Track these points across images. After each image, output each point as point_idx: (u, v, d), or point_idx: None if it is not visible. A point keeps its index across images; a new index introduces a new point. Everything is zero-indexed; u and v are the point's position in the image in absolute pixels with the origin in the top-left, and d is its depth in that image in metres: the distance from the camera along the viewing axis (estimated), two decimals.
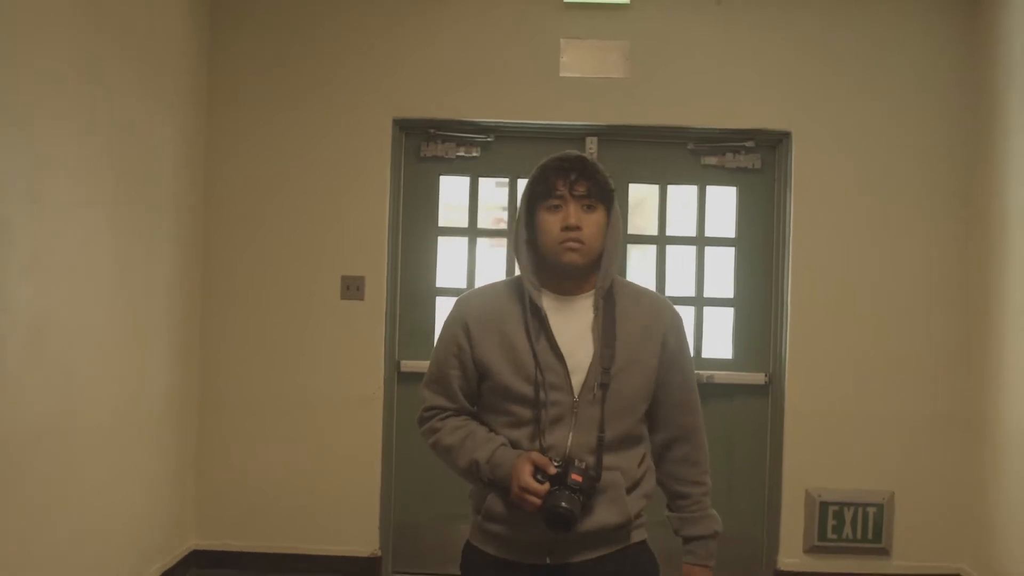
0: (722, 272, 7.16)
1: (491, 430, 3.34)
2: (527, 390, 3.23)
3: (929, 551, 6.91)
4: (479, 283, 7.10)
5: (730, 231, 7.14)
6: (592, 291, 3.36)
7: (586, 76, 6.85)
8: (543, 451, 3.19)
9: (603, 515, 3.24)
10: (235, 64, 6.84)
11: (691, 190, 7.12)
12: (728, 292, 7.14)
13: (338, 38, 6.85)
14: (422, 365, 6.66)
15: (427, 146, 7.04)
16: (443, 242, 7.14)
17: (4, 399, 4.43)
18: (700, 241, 7.12)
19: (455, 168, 7.09)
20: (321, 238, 6.83)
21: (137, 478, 5.93)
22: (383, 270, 6.87)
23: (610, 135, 6.99)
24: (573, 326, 3.30)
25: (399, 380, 7.01)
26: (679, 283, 7.11)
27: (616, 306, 3.34)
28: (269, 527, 6.85)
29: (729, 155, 7.04)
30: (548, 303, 3.33)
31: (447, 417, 3.39)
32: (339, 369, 6.83)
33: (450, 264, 7.15)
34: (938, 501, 6.90)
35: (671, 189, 7.11)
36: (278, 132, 6.83)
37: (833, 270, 6.89)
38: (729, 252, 7.14)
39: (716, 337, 7.16)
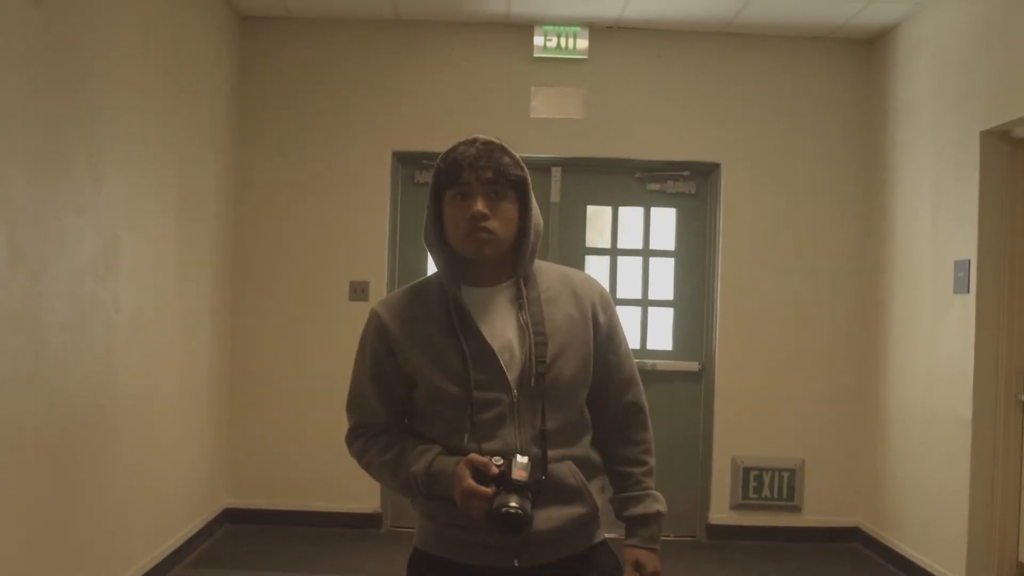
0: (663, 278, 8.49)
1: (427, 440, 3.00)
2: (458, 392, 2.92)
3: (832, 508, 8.23)
4: None
5: (670, 245, 8.48)
6: (512, 279, 3.04)
7: (552, 117, 8.18)
8: (483, 454, 2.87)
9: (563, 509, 2.99)
10: (261, 106, 8.11)
11: (638, 211, 8.48)
12: (668, 295, 8.48)
13: (346, 83, 8.14)
14: None
15: (420, 174, 8.36)
16: None
17: (111, 375, 5.75)
18: (646, 253, 8.47)
19: None
20: (332, 249, 8.13)
21: (189, 444, 7.23)
22: (384, 276, 8.17)
23: (572, 166, 8.33)
24: (499, 318, 3.01)
25: None
26: (629, 287, 8.44)
27: (540, 291, 3.05)
28: (288, 488, 8.13)
29: (670, 182, 8.39)
30: (469, 297, 3.01)
31: (376, 435, 3.07)
32: (347, 356, 8.04)
33: None
34: (840, 466, 8.22)
35: (621, 210, 8.46)
36: (296, 161, 8.12)
37: (754, 276, 8.21)
38: (669, 262, 8.49)
39: (658, 332, 8.47)
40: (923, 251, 7.23)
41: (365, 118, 8.15)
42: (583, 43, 8.14)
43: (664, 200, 8.44)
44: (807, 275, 8.23)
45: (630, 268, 8.52)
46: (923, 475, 7.15)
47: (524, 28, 8.12)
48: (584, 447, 3.07)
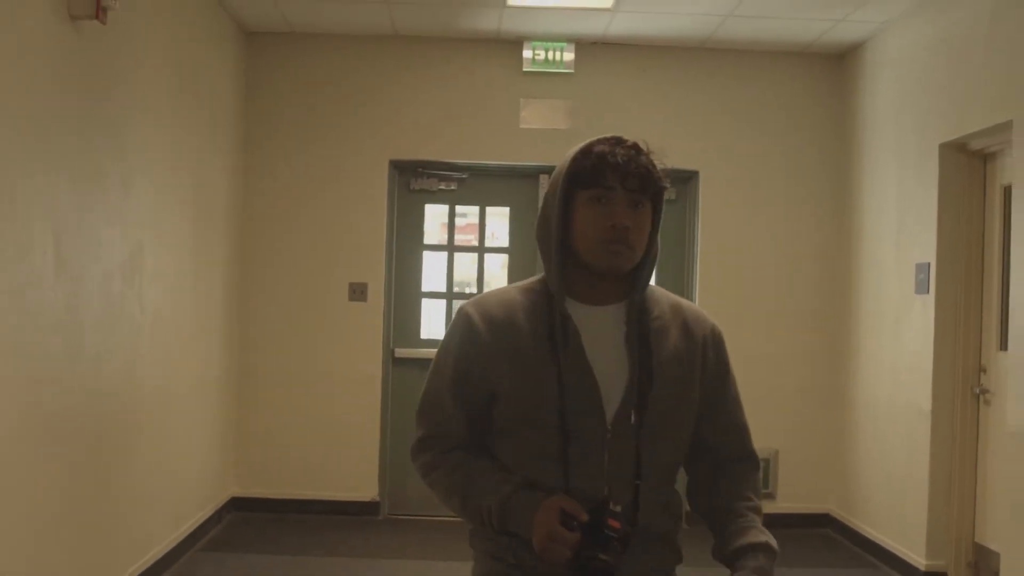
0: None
1: (503, 464, 2.76)
2: (551, 417, 2.65)
3: (805, 496, 8.73)
4: (456, 288, 8.96)
5: None
6: (624, 300, 2.77)
7: (540, 127, 8.66)
8: (568, 491, 2.64)
9: (649, 560, 2.76)
10: (265, 117, 8.57)
11: None
12: None
13: (346, 95, 8.61)
14: (412, 352, 8.64)
15: (415, 181, 8.86)
16: (427, 256, 8.97)
17: (135, 372, 6.21)
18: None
19: (437, 198, 8.91)
20: (333, 252, 8.60)
21: (202, 436, 7.70)
22: (381, 278, 8.65)
23: None
24: (604, 342, 2.73)
25: (393, 364, 8.79)
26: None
27: (650, 318, 2.77)
28: (291, 478, 8.60)
29: None
30: (575, 313, 2.74)
31: (448, 451, 2.80)
32: (347, 354, 8.60)
33: (432, 273, 8.97)
34: (811, 456, 8.71)
35: None
36: (299, 170, 8.59)
37: (731, 277, 8.71)
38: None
39: None
40: (888, 254, 7.73)
41: (364, 128, 8.62)
42: (569, 58, 8.62)
43: None
44: (780, 276, 8.76)
45: None
46: (888, 463, 7.65)
47: (514, 44, 8.60)
48: (675, 493, 2.83)
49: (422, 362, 8.50)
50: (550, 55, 8.61)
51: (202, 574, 6.95)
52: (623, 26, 8.16)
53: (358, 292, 8.63)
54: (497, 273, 9.04)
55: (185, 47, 6.97)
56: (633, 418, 2.68)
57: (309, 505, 8.59)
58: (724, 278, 8.70)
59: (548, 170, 8.76)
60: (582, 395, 2.67)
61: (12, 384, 4.67)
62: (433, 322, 8.99)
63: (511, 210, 8.99)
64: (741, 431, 2.93)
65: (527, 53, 8.61)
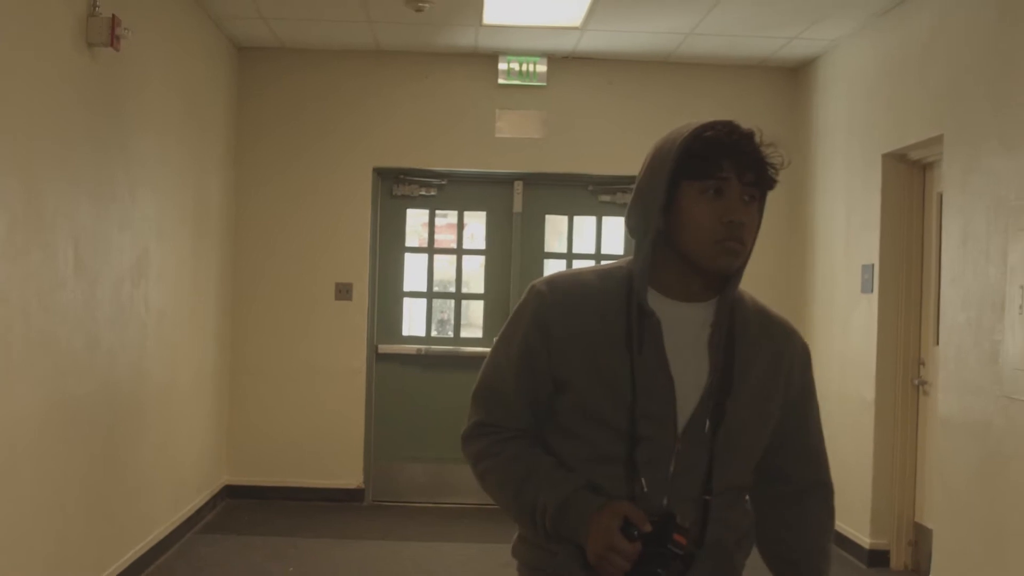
0: None
1: (562, 462, 2.53)
2: (620, 418, 2.43)
3: None
4: (436, 288, 9.53)
5: (620, 250, 9.56)
6: (713, 299, 2.54)
7: (514, 137, 9.23)
8: (632, 499, 2.42)
9: None
10: (256, 128, 9.10)
11: (591, 220, 9.58)
12: None
13: (332, 107, 9.15)
14: (395, 348, 9.20)
15: (398, 187, 9.42)
16: (408, 257, 9.53)
17: (143, 365, 6.76)
18: (598, 256, 9.56)
19: (418, 203, 9.48)
20: (320, 254, 9.15)
21: (200, 426, 8.24)
22: (365, 278, 9.20)
23: (532, 180, 9.40)
24: (686, 341, 2.50)
25: (377, 359, 9.35)
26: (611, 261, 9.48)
27: (737, 321, 2.55)
28: (281, 466, 9.14)
29: (619, 194, 9.45)
30: (658, 307, 2.49)
31: (508, 439, 2.57)
32: (333, 350, 9.15)
33: (414, 274, 9.55)
34: None
35: (576, 219, 9.55)
36: (288, 177, 9.13)
37: None
38: None
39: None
40: (838, 256, 8.31)
41: (349, 138, 9.16)
42: (542, 71, 9.17)
43: (614, 210, 9.51)
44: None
45: None
46: (835, 450, 8.17)
47: (490, 58, 9.15)
48: (743, 515, 2.63)
49: (404, 357, 9.18)
50: (524, 69, 9.16)
51: (200, 553, 7.49)
52: (592, 43, 8.72)
53: (344, 292, 9.17)
54: (476, 271, 9.62)
55: (184, 65, 7.51)
56: (707, 427, 2.45)
57: (298, 492, 9.12)
58: None
59: (523, 177, 9.34)
60: (655, 397, 2.44)
61: (41, 375, 5.23)
62: (414, 320, 9.56)
63: (487, 214, 9.55)
64: (819, 459, 2.71)
65: (502, 66, 9.16)
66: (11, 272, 4.88)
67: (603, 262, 2.83)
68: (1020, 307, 5.72)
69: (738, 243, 2.44)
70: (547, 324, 2.52)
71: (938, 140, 6.84)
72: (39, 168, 5.14)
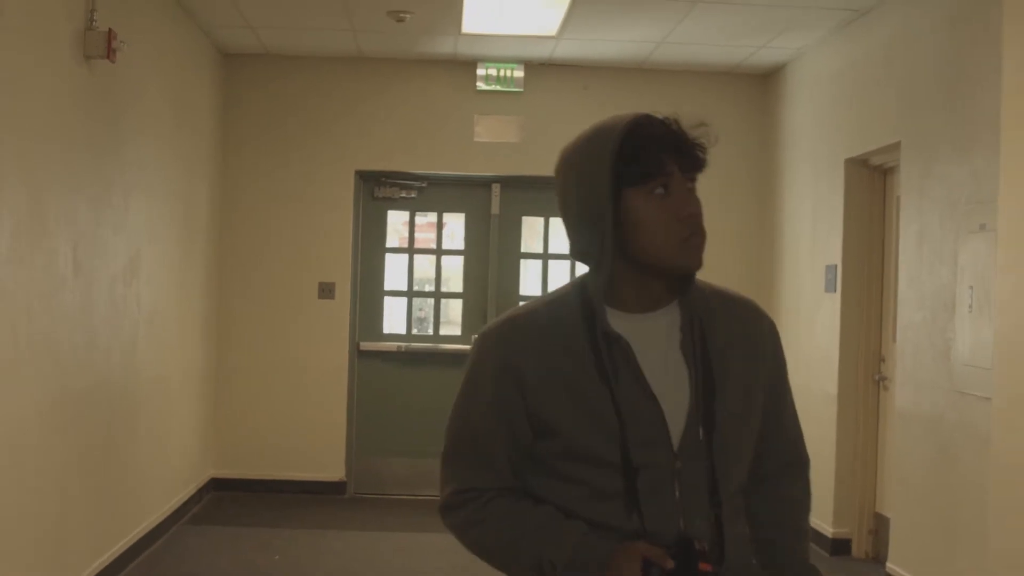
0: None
1: (557, 507, 2.34)
2: (612, 452, 2.27)
3: None
4: (416, 287, 9.83)
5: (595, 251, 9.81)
6: (674, 301, 2.40)
7: (492, 141, 9.53)
8: (643, 532, 2.26)
9: None
10: (242, 132, 9.38)
11: None
12: None
13: (316, 112, 9.43)
14: (376, 345, 9.49)
15: (379, 190, 9.71)
16: (389, 258, 9.84)
17: (135, 362, 7.04)
18: (573, 257, 9.80)
19: (398, 205, 9.77)
20: (304, 254, 9.43)
21: (186, 421, 8.52)
22: (348, 278, 9.50)
23: (509, 183, 9.71)
24: (658, 354, 2.34)
25: (358, 356, 9.65)
26: (558, 286, 9.76)
27: (703, 318, 2.40)
28: (265, 460, 9.42)
29: None
30: (622, 326, 2.32)
31: (491, 500, 2.37)
32: (316, 347, 9.43)
33: (394, 273, 9.85)
34: None
35: (552, 220, 9.81)
36: (273, 180, 9.41)
37: None
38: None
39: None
40: (804, 256, 8.64)
41: (332, 142, 9.45)
42: (519, 77, 9.47)
43: None
44: (710, 275, 9.41)
45: (559, 270, 9.92)
46: None
47: (469, 65, 9.45)
48: (744, 516, 2.46)
49: (384, 354, 9.48)
50: (501, 75, 9.46)
51: (189, 543, 7.79)
52: (567, 50, 9.02)
53: (327, 291, 9.46)
54: (455, 270, 9.93)
55: (173, 73, 7.79)
56: (702, 434, 2.29)
57: (282, 485, 9.41)
58: None
59: (500, 180, 9.63)
60: (643, 422, 2.27)
61: (43, 372, 5.53)
62: (395, 318, 9.87)
63: (466, 216, 9.85)
64: (794, 436, 2.59)
65: (480, 73, 9.45)
66: (17, 274, 5.16)
67: (543, 293, 2.51)
68: (969, 306, 6.04)
69: (700, 236, 2.33)
70: (517, 368, 2.32)
71: (896, 147, 7.15)
72: (42, 175, 5.43)
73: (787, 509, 2.59)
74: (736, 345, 2.42)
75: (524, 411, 2.33)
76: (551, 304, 2.43)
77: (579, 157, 2.37)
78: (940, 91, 6.57)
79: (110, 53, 5.97)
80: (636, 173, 2.28)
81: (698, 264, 2.36)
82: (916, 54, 6.90)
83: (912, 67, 6.95)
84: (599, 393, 2.28)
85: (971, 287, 6.04)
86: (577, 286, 2.43)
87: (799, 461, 2.62)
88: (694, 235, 2.33)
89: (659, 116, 2.37)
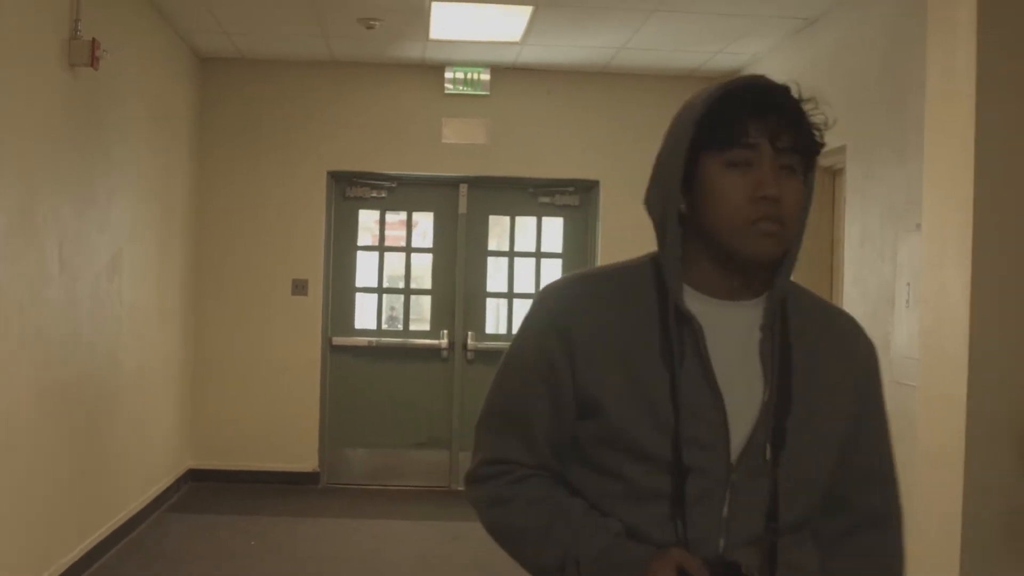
0: (553, 276, 9.89)
1: (591, 503, 2.07)
2: (662, 446, 1.99)
3: None
4: (386, 283, 10.18)
5: (558, 248, 10.23)
6: (762, 296, 2.09)
7: (460, 143, 9.86)
8: (685, 545, 1.99)
9: None
10: (218, 134, 9.68)
11: (531, 220, 10.24)
12: None
13: (289, 114, 9.73)
14: (347, 340, 9.84)
15: (351, 189, 10.04)
16: (360, 255, 10.18)
17: (117, 355, 7.36)
18: (537, 255, 10.23)
19: (369, 204, 10.10)
20: (278, 252, 9.74)
21: (165, 413, 8.83)
22: (320, 275, 9.82)
23: (476, 183, 10.04)
24: (734, 349, 2.06)
25: (331, 351, 9.98)
26: (523, 284, 10.19)
27: (791, 323, 2.10)
28: (241, 451, 9.73)
29: (558, 196, 10.11)
30: (695, 308, 2.05)
31: (524, 479, 2.11)
32: (290, 342, 9.74)
33: (365, 271, 10.18)
34: None
35: (518, 219, 10.21)
36: (248, 180, 9.71)
37: None
38: (558, 262, 10.24)
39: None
40: None
41: (305, 143, 9.76)
42: (486, 80, 9.79)
43: (553, 211, 10.20)
44: None
45: (525, 267, 10.27)
46: None
47: (437, 69, 9.77)
48: (812, 557, 2.16)
49: (356, 349, 9.81)
50: (468, 78, 9.78)
51: (169, 529, 8.12)
52: (532, 55, 9.36)
53: (300, 287, 9.78)
54: (424, 268, 10.26)
55: (152, 77, 8.10)
56: (768, 453, 2.01)
57: (257, 475, 9.71)
58: None
59: (468, 180, 9.97)
60: (702, 419, 2.00)
61: (32, 364, 5.85)
62: (366, 314, 10.20)
63: (434, 215, 10.20)
64: (887, 484, 2.22)
65: (448, 76, 9.77)
66: (9, 271, 5.49)
67: (627, 260, 2.20)
68: (907, 301, 6.41)
69: (775, 223, 1.98)
70: (568, 328, 2.06)
71: (842, 150, 7.50)
72: (32, 177, 5.75)
73: (875, 568, 2.21)
74: (825, 362, 2.11)
75: (571, 379, 2.05)
76: (622, 269, 2.17)
77: (680, 108, 2.12)
78: (881, 97, 6.93)
79: (94, 61, 6.27)
80: (717, 136, 2.00)
81: (768, 255, 2.01)
82: (859, 62, 7.26)
83: (856, 74, 7.31)
84: (658, 376, 2.00)
85: (908, 283, 6.40)
86: (652, 256, 2.16)
87: (892, 515, 2.23)
88: (767, 220, 1.97)
89: (770, 80, 2.07)
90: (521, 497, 2.09)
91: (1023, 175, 4.77)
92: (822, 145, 2.06)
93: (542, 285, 9.46)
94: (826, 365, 2.12)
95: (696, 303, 2.05)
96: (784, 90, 2.06)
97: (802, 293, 2.19)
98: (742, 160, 1.99)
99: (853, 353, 2.17)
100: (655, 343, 2.02)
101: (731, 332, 2.06)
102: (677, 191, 2.05)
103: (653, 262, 2.13)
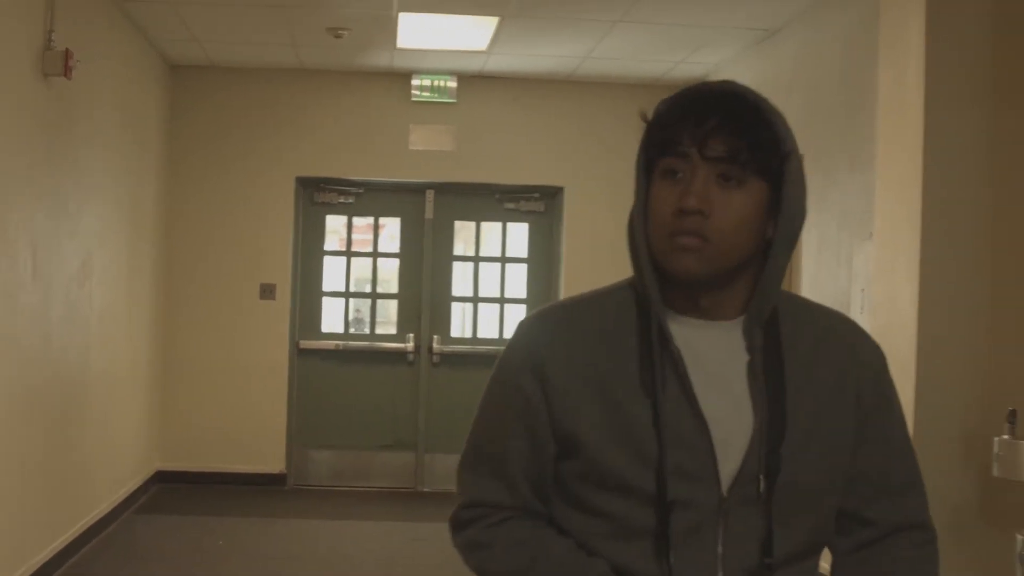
0: (518, 280, 10.38)
1: (579, 543, 1.97)
2: (645, 479, 1.89)
3: None
4: (353, 288, 10.31)
5: (523, 253, 10.38)
6: (745, 315, 1.96)
7: (426, 149, 10.00)
8: None
9: None
10: (188, 140, 9.77)
11: (497, 225, 10.39)
12: (522, 294, 10.35)
13: (258, 121, 9.85)
14: (314, 344, 9.96)
15: (318, 195, 10.17)
16: (328, 260, 10.31)
17: (88, 358, 7.46)
18: (503, 260, 10.37)
19: (337, 210, 10.24)
20: (247, 256, 9.85)
21: (134, 416, 8.92)
22: (288, 279, 9.94)
23: (443, 189, 10.18)
24: (718, 373, 1.94)
25: (298, 354, 10.10)
26: (489, 288, 10.33)
27: (783, 340, 1.97)
28: (209, 453, 9.83)
29: (523, 202, 10.27)
30: (677, 331, 1.94)
31: (503, 521, 2.02)
32: (258, 345, 9.85)
33: (332, 275, 10.32)
34: None
35: (483, 225, 10.36)
36: (217, 186, 9.82)
37: (590, 277, 9.60)
38: (523, 267, 10.39)
39: (514, 326, 10.20)
40: None
41: (274, 149, 9.87)
42: (453, 87, 9.92)
43: (518, 216, 10.35)
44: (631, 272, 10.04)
45: (490, 272, 10.40)
46: None
47: (404, 77, 9.90)
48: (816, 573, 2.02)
49: (323, 352, 9.95)
50: (435, 85, 9.92)
51: (138, 529, 8.24)
52: (498, 64, 9.50)
53: (268, 292, 9.90)
54: (390, 272, 10.41)
55: (124, 85, 8.20)
56: (762, 484, 1.88)
57: (225, 477, 9.81)
58: (585, 277, 9.71)
59: (434, 186, 10.14)
60: (687, 448, 1.89)
61: (6, 368, 5.95)
62: (333, 317, 10.34)
63: (401, 220, 10.34)
64: (910, 493, 2.07)
65: (415, 84, 9.91)
66: None
67: (607, 285, 2.10)
68: (861, 308, 6.57)
69: (694, 237, 1.86)
70: (542, 363, 1.96)
71: (802, 158, 7.67)
72: (6, 185, 5.85)
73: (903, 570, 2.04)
74: (822, 378, 1.98)
75: (548, 417, 1.95)
76: (600, 296, 2.06)
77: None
78: (838, 107, 7.10)
79: (67, 71, 6.37)
80: (654, 146, 1.94)
81: (686, 273, 1.89)
82: (818, 72, 7.44)
83: (813, 85, 7.49)
84: (639, 405, 1.90)
85: (863, 289, 6.57)
86: (631, 279, 2.05)
87: (920, 526, 2.06)
88: (682, 235, 1.87)
89: (709, 84, 1.98)
90: (501, 541, 2.00)
91: (970, 185, 4.95)
92: (772, 154, 1.89)
93: (507, 289, 9.65)
94: (823, 380, 1.97)
95: (677, 325, 1.94)
96: (732, 96, 1.92)
97: (795, 302, 2.07)
98: (673, 170, 1.90)
99: (854, 361, 2.01)
100: (634, 371, 1.92)
101: (714, 355, 1.95)
102: (641, 206, 1.96)
103: (632, 286, 2.03)
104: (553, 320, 2.04)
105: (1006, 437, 4.51)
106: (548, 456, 1.97)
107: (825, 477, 1.95)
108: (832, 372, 1.97)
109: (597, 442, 1.90)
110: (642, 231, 1.94)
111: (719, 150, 1.84)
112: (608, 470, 1.90)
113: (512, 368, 2.01)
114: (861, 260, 6.62)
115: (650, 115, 1.96)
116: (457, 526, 2.06)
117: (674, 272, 1.89)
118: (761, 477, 1.87)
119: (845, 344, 2.02)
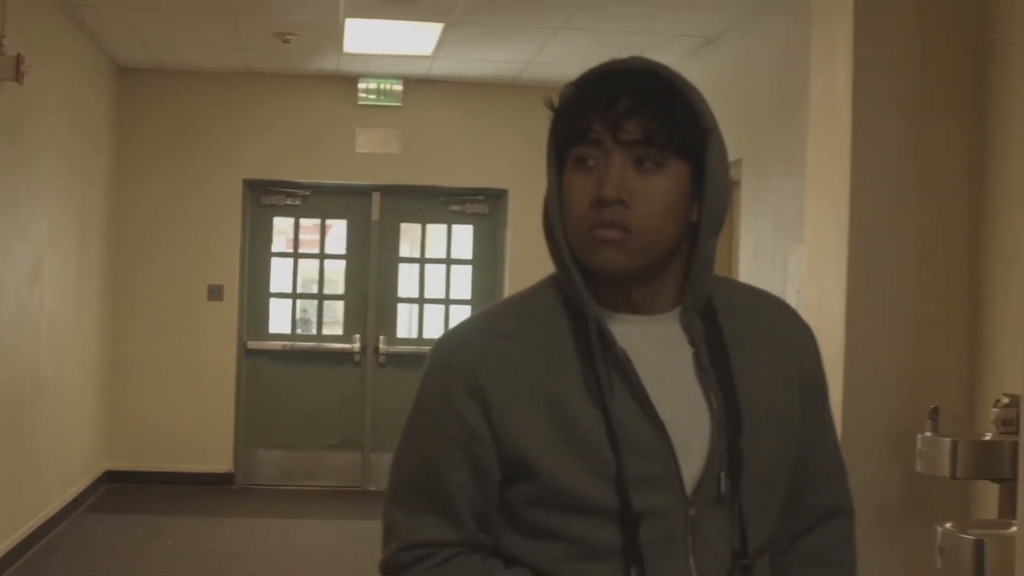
0: (463, 281, 10.52)
1: (536, 572, 1.80)
2: (606, 494, 1.73)
3: None
4: (300, 288, 10.44)
5: (468, 254, 10.53)
6: (681, 307, 1.82)
7: (373, 152, 10.13)
8: None
9: None
10: (137, 144, 9.85)
11: (442, 227, 10.53)
12: (467, 295, 10.50)
13: (206, 124, 9.94)
14: (262, 344, 10.08)
15: (266, 197, 10.28)
16: (275, 262, 10.45)
17: (38, 358, 7.56)
18: (448, 261, 10.52)
19: (284, 212, 10.36)
20: (195, 258, 9.94)
21: (83, 416, 9.00)
22: (236, 280, 10.05)
23: (389, 191, 10.32)
24: (665, 370, 1.80)
25: (246, 354, 10.21)
26: (434, 289, 10.46)
27: (724, 327, 1.84)
28: (157, 452, 9.90)
29: (468, 204, 10.42)
30: (615, 331, 1.78)
31: (451, 558, 1.81)
32: (206, 346, 9.95)
33: (279, 276, 10.44)
34: None
35: (429, 226, 10.50)
36: (166, 188, 9.91)
37: (533, 277, 10.04)
38: (468, 268, 10.54)
39: None
40: None
41: (222, 152, 9.97)
42: (399, 90, 10.06)
43: (463, 219, 10.50)
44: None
45: (435, 274, 10.53)
46: None
47: (351, 80, 10.03)
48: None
49: (271, 353, 10.06)
50: (382, 90, 10.04)
51: (88, 529, 8.35)
52: (443, 68, 9.64)
53: (215, 293, 10.00)
54: (337, 273, 10.54)
55: (73, 89, 8.29)
56: (723, 484, 1.77)
57: (174, 476, 9.89)
58: (528, 277, 9.70)
59: (381, 188, 10.27)
60: (646, 454, 1.75)
61: None
62: (280, 318, 10.46)
63: (348, 222, 10.47)
64: (837, 479, 2.03)
65: (362, 87, 10.03)
66: None
67: (523, 290, 1.97)
68: (796, 309, 6.75)
69: (615, 229, 1.73)
70: (477, 382, 1.78)
71: (739, 163, 7.86)
72: None
73: (827, 570, 2.01)
74: (766, 361, 1.88)
75: (493, 444, 1.78)
76: (523, 300, 1.92)
77: None
78: (773, 112, 7.29)
79: (19, 76, 6.45)
80: (563, 135, 1.81)
81: (609, 267, 1.76)
82: (754, 79, 7.63)
83: (751, 90, 7.68)
84: (588, 415, 1.75)
85: (797, 291, 6.74)
86: (554, 278, 1.90)
87: (842, 510, 2.02)
88: (602, 227, 1.74)
89: (616, 64, 1.82)
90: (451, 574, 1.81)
91: (897, 190, 5.13)
92: (691, 132, 1.78)
93: (452, 290, 9.80)
94: (769, 366, 1.87)
95: (614, 325, 1.79)
96: (643, 74, 1.80)
97: (727, 286, 1.95)
98: (585, 158, 1.76)
99: (793, 344, 1.92)
100: (577, 379, 1.76)
101: (657, 352, 1.80)
102: (555, 200, 1.81)
103: (555, 286, 1.87)
104: (479, 332, 1.87)
105: (928, 434, 4.66)
106: (494, 485, 1.80)
107: (782, 465, 1.86)
108: (775, 357, 1.88)
109: (550, 461, 1.74)
110: (560, 227, 1.79)
111: (634, 133, 1.72)
112: (565, 489, 1.74)
113: (444, 393, 1.81)
114: (795, 262, 6.80)
115: (556, 102, 1.82)
116: (395, 570, 1.86)
117: (598, 267, 1.76)
118: (722, 475, 1.77)
119: (783, 327, 1.93)
